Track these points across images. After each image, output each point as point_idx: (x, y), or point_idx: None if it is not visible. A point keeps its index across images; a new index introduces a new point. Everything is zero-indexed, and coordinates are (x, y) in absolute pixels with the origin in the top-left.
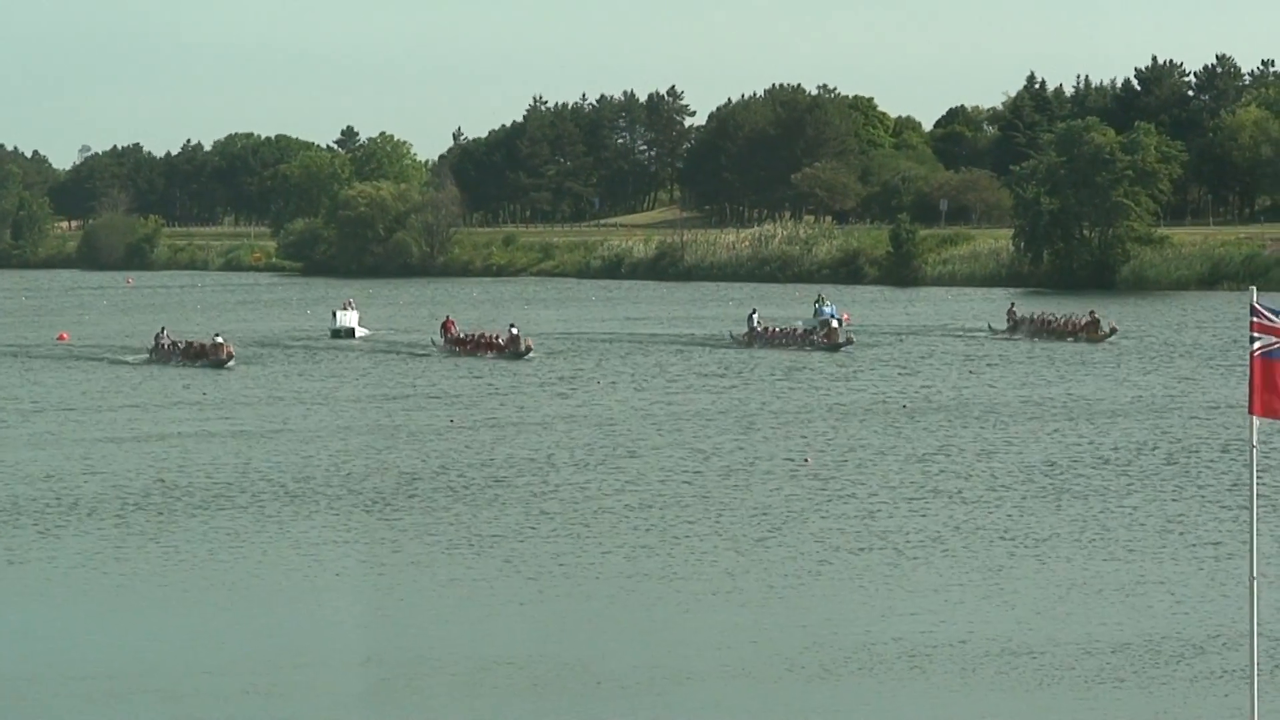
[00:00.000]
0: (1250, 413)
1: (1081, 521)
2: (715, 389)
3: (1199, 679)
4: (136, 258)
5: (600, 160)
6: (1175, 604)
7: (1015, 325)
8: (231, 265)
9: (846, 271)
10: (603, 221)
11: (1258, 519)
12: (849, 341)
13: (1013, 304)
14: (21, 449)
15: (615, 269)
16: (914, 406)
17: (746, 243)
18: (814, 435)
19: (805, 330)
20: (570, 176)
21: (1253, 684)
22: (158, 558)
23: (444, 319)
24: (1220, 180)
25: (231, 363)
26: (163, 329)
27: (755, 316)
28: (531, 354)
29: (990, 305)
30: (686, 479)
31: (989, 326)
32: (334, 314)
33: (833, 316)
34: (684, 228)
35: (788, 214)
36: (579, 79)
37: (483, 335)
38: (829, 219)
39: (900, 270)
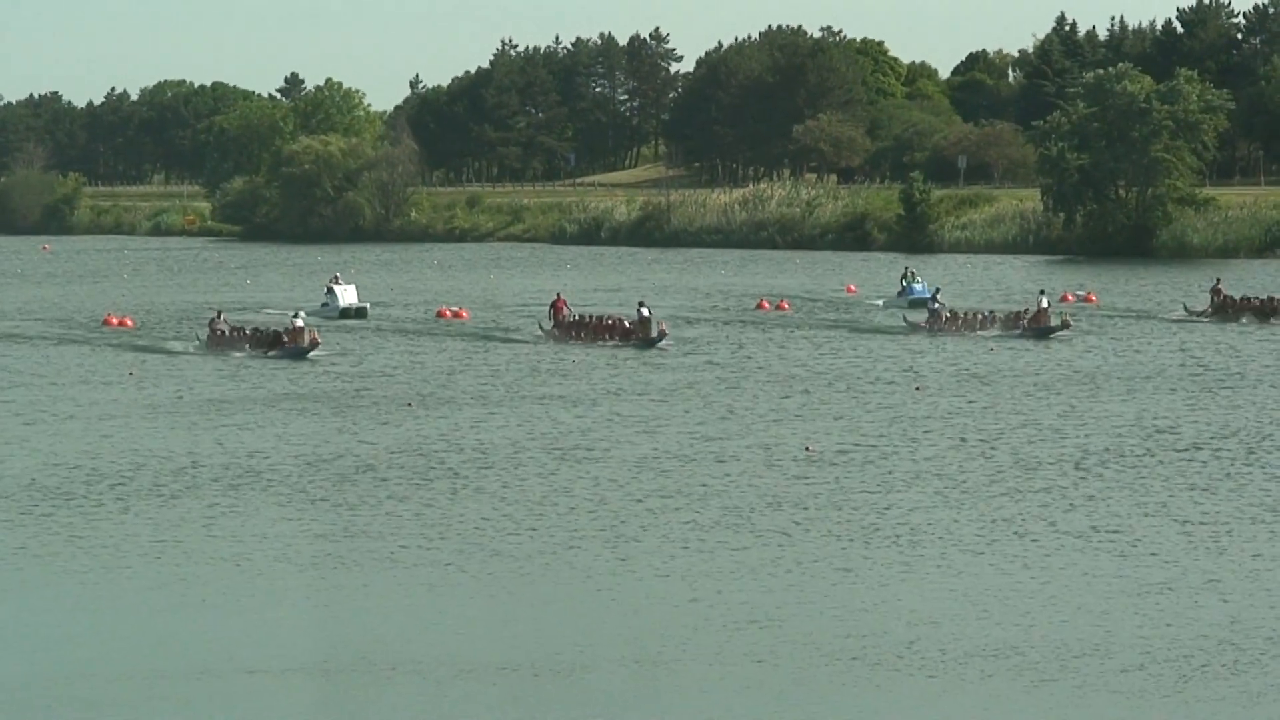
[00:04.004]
0: None
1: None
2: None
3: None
4: (54, 221)
5: (576, 112)
6: (1231, 606)
7: (1224, 307)
8: (161, 229)
9: (852, 237)
10: (579, 180)
11: None
12: (1064, 325)
13: (1218, 280)
14: None
15: (594, 233)
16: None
17: (739, 204)
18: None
19: (1009, 314)
20: (542, 130)
21: None
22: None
23: (554, 298)
24: (1273, 134)
25: (316, 351)
26: (219, 313)
27: (939, 298)
28: (666, 340)
29: (1019, 273)
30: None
31: (1185, 308)
32: (329, 290)
33: (924, 294)
34: (670, 187)
35: (787, 172)
36: (551, 20)
37: (605, 318)
38: (833, 177)
39: (913, 235)
